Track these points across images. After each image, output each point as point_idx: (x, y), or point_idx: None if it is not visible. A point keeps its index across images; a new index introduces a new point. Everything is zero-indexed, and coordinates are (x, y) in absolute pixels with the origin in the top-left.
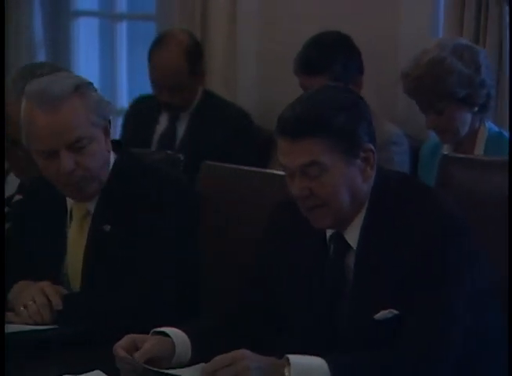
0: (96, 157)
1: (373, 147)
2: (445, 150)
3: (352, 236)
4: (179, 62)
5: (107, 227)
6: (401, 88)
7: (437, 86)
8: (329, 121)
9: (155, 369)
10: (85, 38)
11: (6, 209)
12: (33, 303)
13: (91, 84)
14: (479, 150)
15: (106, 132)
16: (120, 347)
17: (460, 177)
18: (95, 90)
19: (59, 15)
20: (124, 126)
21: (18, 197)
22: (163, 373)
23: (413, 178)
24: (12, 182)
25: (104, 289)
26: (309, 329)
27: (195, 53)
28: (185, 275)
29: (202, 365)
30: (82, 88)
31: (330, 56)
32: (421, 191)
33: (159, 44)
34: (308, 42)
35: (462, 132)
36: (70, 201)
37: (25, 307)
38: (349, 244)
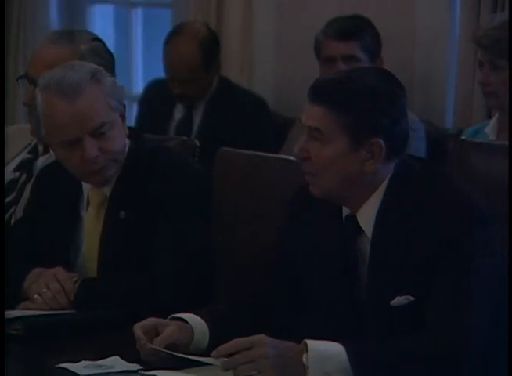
0: (117, 141)
1: (383, 144)
2: (488, 134)
3: (365, 219)
4: (193, 56)
5: (122, 214)
6: (417, 75)
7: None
8: (347, 100)
9: (176, 354)
10: (101, 25)
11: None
12: (47, 290)
13: (103, 70)
14: None
15: (123, 117)
16: (140, 327)
17: (477, 162)
18: (109, 75)
19: (75, 1)
20: (140, 112)
21: (13, 176)
22: (183, 358)
23: (435, 166)
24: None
25: (119, 275)
26: (328, 314)
27: (210, 46)
28: (199, 261)
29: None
30: (98, 74)
31: (363, 24)
32: (442, 179)
33: (174, 37)
34: (337, 16)
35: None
36: (86, 187)
37: (39, 295)
38: (360, 227)
